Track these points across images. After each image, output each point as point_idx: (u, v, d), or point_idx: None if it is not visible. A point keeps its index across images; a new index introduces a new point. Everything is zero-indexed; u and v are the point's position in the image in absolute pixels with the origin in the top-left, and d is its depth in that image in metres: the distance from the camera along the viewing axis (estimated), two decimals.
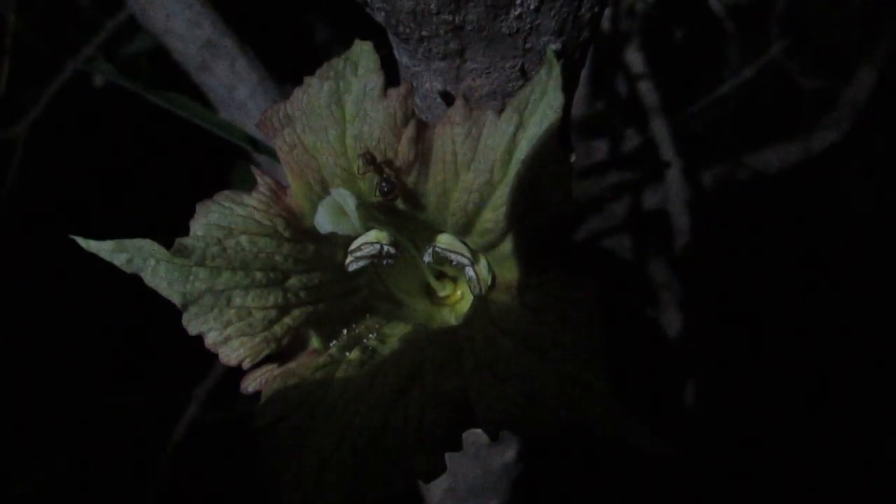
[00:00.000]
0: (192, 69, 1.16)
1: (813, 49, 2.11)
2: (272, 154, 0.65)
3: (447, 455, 1.01)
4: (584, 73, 1.69)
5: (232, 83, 1.15)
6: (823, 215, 2.16)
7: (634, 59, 1.73)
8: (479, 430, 0.86)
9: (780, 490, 1.71)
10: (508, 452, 0.90)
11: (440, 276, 0.49)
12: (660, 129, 1.73)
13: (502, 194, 0.34)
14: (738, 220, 2.11)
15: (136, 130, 1.78)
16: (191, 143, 1.66)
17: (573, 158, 0.40)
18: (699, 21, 2.00)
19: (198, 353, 1.38)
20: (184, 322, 0.38)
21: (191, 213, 0.39)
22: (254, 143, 0.68)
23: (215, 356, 1.37)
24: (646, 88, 1.75)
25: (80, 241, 0.37)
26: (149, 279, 0.37)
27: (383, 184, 0.34)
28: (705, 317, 1.76)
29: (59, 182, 1.73)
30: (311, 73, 0.38)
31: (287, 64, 1.24)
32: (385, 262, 0.41)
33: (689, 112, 1.90)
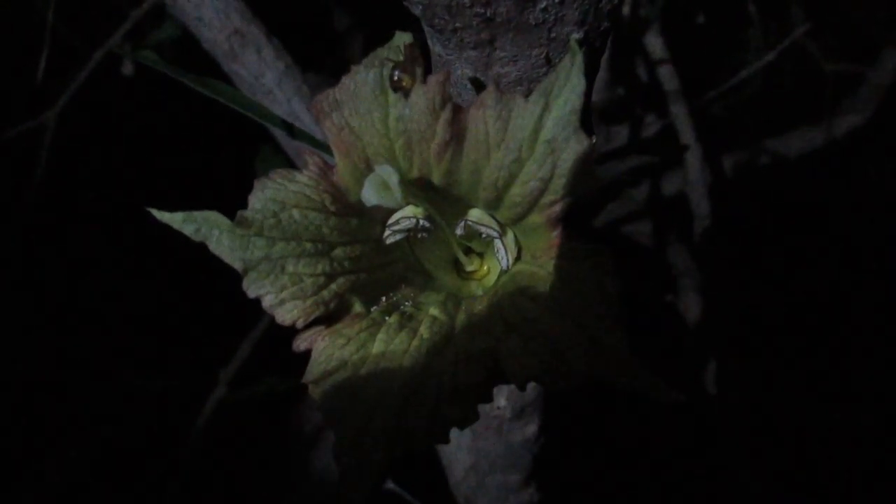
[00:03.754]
0: (221, 57, 1.19)
1: (836, 32, 2.09)
2: (304, 137, 0.69)
3: (470, 434, 1.04)
4: (604, 58, 1.69)
5: (259, 71, 1.19)
6: (846, 200, 2.15)
7: (655, 43, 1.73)
8: (501, 405, 0.90)
9: (797, 474, 1.73)
10: (530, 427, 0.93)
11: (468, 252, 0.53)
12: (680, 113, 1.74)
13: (529, 171, 0.39)
14: (759, 206, 2.11)
15: (162, 118, 1.82)
16: (215, 130, 1.70)
17: (594, 140, 0.43)
18: (720, 4, 1.99)
19: (223, 336, 1.42)
20: (244, 286, 0.42)
21: (220, 195, 0.43)
22: (287, 126, 0.72)
23: (240, 339, 1.40)
24: (666, 73, 1.75)
25: (154, 212, 0.42)
26: (213, 247, 0.42)
27: (395, 72, 0.38)
28: (725, 302, 1.77)
29: (88, 168, 1.78)
30: (331, 61, 0.42)
31: (308, 52, 1.27)
32: (420, 235, 0.46)
33: (710, 96, 1.90)
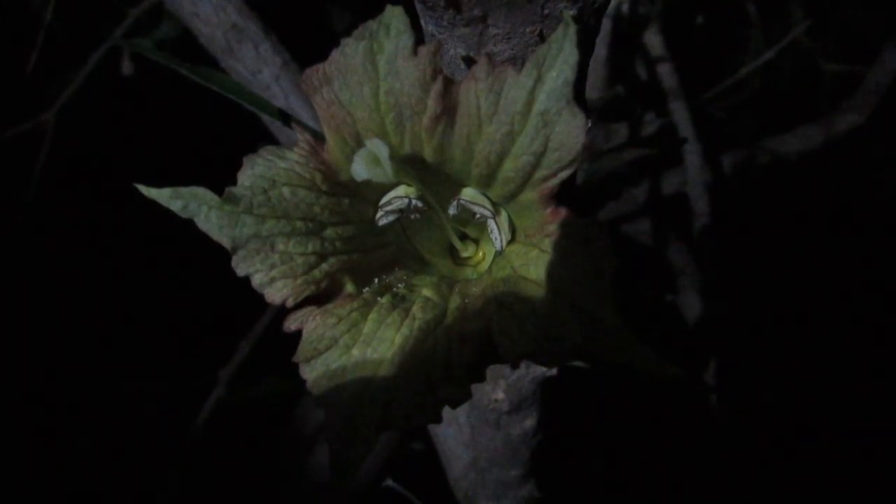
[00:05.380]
0: (218, 53, 1.19)
1: (835, 31, 2.09)
2: (302, 127, 0.68)
3: (469, 430, 1.03)
4: (603, 56, 1.69)
5: (256, 66, 1.19)
6: (845, 200, 2.15)
7: (654, 41, 1.73)
8: (499, 398, 0.89)
9: (798, 473, 1.72)
10: (528, 421, 0.92)
11: (463, 237, 0.53)
12: (679, 112, 1.73)
13: (522, 144, 0.38)
14: (759, 205, 2.11)
15: (160, 117, 1.82)
16: (212, 129, 1.70)
17: (589, 124, 0.43)
18: (720, 3, 1.99)
19: (222, 337, 1.42)
20: (233, 264, 0.41)
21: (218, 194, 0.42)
22: (284, 117, 0.71)
23: (239, 340, 1.40)
24: (665, 71, 1.75)
25: (141, 188, 0.41)
26: (201, 224, 0.41)
27: None
28: (724, 301, 1.76)
29: (87, 167, 1.78)
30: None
31: (306, 51, 1.27)
32: (413, 216, 0.45)
33: (709, 95, 1.90)
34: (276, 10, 1.30)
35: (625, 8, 1.63)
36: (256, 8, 1.20)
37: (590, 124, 0.43)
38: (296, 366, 0.43)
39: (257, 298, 0.44)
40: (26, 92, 1.55)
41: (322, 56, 0.42)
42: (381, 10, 0.41)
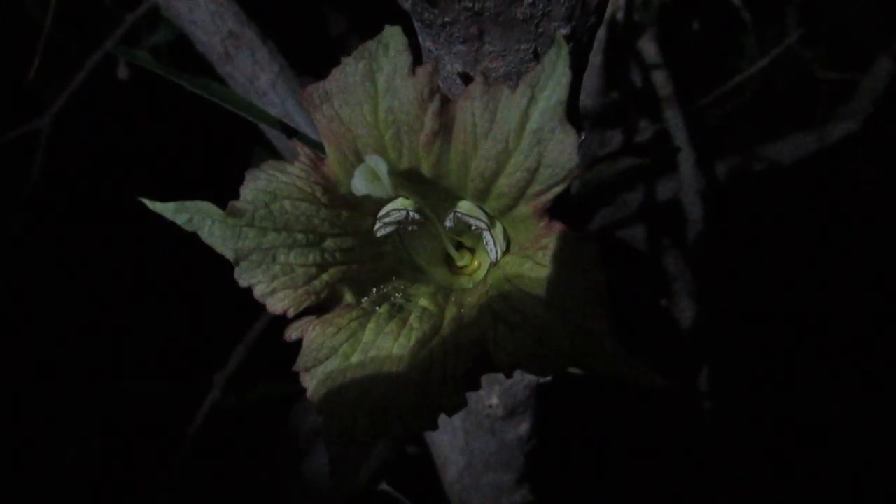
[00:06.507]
0: (216, 60, 1.20)
1: (830, 39, 2.11)
2: (300, 138, 0.69)
3: (463, 435, 1.04)
4: (598, 63, 1.70)
5: (253, 73, 1.20)
6: (839, 206, 2.16)
7: (649, 48, 1.75)
8: (494, 403, 0.90)
9: (792, 479, 1.73)
10: (522, 426, 0.93)
11: (459, 247, 0.54)
12: (674, 119, 1.74)
13: (516, 161, 0.39)
14: (753, 211, 2.12)
15: (156, 121, 1.83)
16: (209, 133, 1.70)
17: (583, 137, 0.44)
18: (715, 10, 2.01)
19: (218, 341, 1.42)
20: (235, 276, 0.42)
21: (215, 197, 0.44)
22: (284, 127, 0.72)
23: (235, 344, 1.41)
24: (660, 78, 1.76)
25: (147, 201, 0.42)
26: (205, 236, 0.42)
27: None
28: (718, 307, 1.77)
29: (83, 171, 1.79)
30: (326, 65, 0.43)
31: (303, 57, 1.28)
32: (410, 228, 0.46)
33: (704, 102, 1.91)
34: (273, 17, 1.31)
35: (619, 15, 1.64)
36: (253, 15, 1.21)
37: (583, 137, 0.44)
38: (291, 369, 0.44)
39: (253, 303, 0.45)
40: (21, 97, 1.55)
41: (318, 62, 0.43)
42: (377, 15, 0.42)
